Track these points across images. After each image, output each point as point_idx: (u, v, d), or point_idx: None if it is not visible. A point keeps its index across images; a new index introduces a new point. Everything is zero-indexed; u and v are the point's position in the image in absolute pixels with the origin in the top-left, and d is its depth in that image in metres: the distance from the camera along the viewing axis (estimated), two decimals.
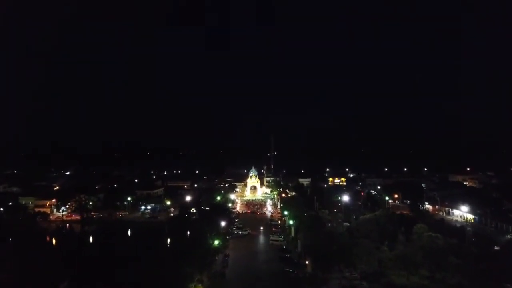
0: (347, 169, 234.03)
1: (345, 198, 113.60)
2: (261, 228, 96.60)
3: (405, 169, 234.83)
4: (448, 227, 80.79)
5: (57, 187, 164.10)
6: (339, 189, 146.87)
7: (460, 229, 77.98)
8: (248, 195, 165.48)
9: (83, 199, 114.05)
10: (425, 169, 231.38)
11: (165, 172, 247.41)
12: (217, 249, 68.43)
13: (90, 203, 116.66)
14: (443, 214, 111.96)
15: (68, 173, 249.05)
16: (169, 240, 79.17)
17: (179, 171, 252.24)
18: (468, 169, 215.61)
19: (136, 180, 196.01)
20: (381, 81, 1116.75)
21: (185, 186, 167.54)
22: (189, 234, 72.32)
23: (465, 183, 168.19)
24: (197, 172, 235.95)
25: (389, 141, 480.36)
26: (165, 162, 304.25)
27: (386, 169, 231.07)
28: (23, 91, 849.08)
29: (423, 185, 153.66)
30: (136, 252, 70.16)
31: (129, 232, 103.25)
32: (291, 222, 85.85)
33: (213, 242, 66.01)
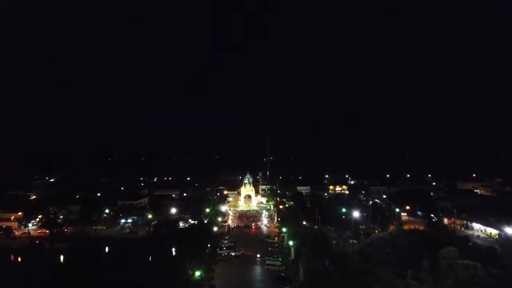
0: (347, 176, 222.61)
1: (351, 210, 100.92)
2: (256, 249, 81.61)
3: (408, 175, 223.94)
4: (475, 247, 68.16)
5: (34, 197, 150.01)
6: (341, 199, 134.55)
7: (491, 250, 65.46)
8: (242, 204, 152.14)
9: (52, 211, 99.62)
10: (429, 175, 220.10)
11: (155, 179, 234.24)
12: (200, 282, 54.97)
13: (61, 217, 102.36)
14: (461, 228, 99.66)
15: (52, 180, 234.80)
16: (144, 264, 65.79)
17: (170, 178, 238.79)
18: (474, 175, 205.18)
19: (122, 188, 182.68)
20: (380, 82, 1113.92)
21: (173, 195, 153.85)
22: (166, 260, 59.02)
23: (476, 191, 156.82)
24: (188, 179, 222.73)
25: (388, 144, 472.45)
26: (158, 168, 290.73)
27: (388, 175, 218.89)
28: (20, 96, 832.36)
29: (431, 194, 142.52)
30: (100, 283, 56.87)
31: (101, 251, 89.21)
32: (290, 242, 72.62)
33: (194, 274, 52.62)
